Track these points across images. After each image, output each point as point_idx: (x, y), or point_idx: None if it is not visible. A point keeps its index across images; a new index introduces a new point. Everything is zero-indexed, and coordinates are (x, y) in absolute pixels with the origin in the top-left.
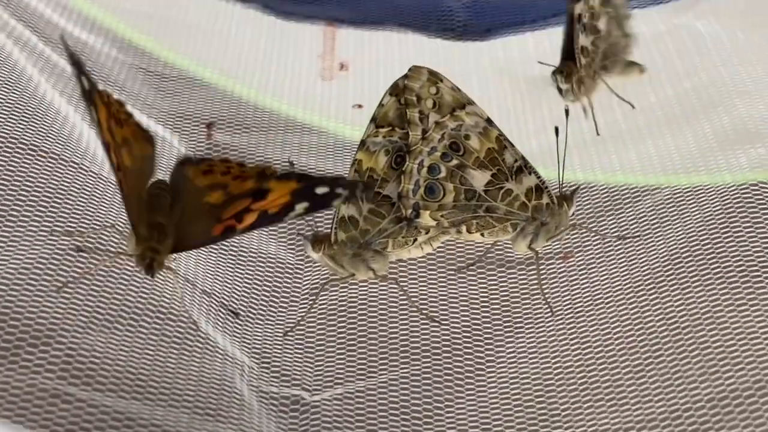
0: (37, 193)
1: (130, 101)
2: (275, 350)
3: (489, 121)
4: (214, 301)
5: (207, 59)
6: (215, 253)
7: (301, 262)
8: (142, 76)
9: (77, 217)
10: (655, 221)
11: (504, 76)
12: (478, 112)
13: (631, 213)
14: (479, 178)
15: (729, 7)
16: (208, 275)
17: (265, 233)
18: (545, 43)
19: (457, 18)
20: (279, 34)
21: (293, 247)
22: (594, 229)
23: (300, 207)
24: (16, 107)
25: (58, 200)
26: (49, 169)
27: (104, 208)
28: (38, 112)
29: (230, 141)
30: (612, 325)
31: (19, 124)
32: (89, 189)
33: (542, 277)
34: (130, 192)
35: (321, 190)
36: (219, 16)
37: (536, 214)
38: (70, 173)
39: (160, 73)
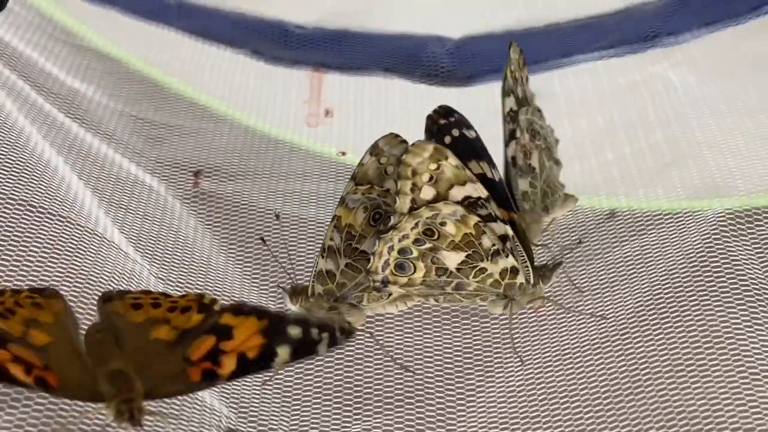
0: (24, 248)
1: (119, 149)
2: (253, 400)
3: (486, 200)
4: None
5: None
6: None
7: (282, 311)
8: (132, 123)
9: (63, 270)
10: (622, 271)
11: (485, 122)
12: (476, 192)
13: (600, 263)
14: (453, 258)
15: (703, 56)
16: None
17: (247, 281)
18: None
19: (441, 64)
20: (267, 80)
21: (274, 295)
22: (566, 302)
23: (283, 352)
24: (5, 161)
25: (45, 254)
26: (37, 223)
27: (90, 262)
28: (28, 166)
29: (216, 189)
30: (578, 376)
31: (8, 178)
32: (75, 242)
33: (514, 324)
34: (65, 371)
35: (294, 331)
36: (209, 60)
37: (508, 291)
38: (57, 227)
39: (150, 120)
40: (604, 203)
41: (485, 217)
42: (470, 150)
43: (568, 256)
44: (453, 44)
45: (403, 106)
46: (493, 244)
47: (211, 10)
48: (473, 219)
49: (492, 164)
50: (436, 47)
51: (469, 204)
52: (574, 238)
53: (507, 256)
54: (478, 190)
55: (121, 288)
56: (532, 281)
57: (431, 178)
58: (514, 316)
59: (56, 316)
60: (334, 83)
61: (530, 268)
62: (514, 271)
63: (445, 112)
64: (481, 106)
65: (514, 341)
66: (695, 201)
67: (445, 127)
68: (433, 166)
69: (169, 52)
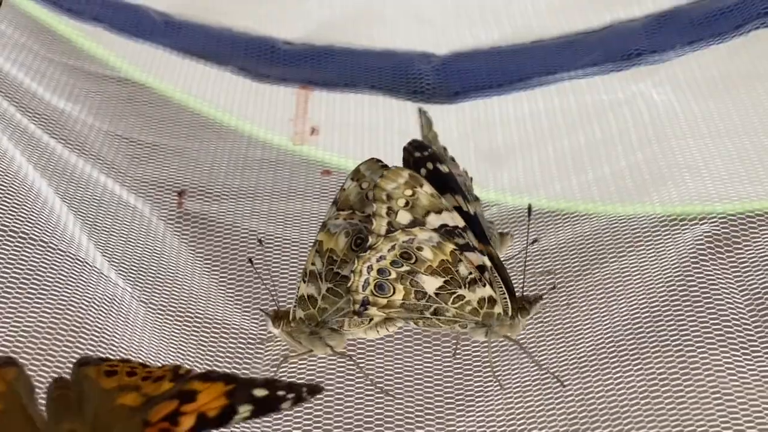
0: (4, 275)
1: (104, 170)
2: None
3: (463, 229)
4: None
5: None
6: (180, 320)
7: (264, 334)
8: (117, 143)
9: (43, 297)
10: (601, 296)
11: (469, 139)
12: (453, 221)
13: (580, 287)
14: (431, 283)
15: (686, 74)
16: (172, 343)
17: (230, 303)
18: (510, 106)
19: (426, 81)
20: (253, 97)
21: (257, 318)
22: (543, 319)
23: (244, 410)
24: None
25: (26, 280)
26: (18, 248)
27: (71, 287)
28: (10, 189)
29: (200, 209)
30: (556, 401)
31: None
32: (56, 267)
33: (494, 349)
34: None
35: (260, 392)
36: (195, 78)
37: (486, 320)
38: (39, 252)
39: (135, 139)
40: (585, 224)
41: (462, 246)
42: (444, 184)
43: (547, 280)
44: (439, 61)
45: (388, 123)
46: (470, 273)
47: (197, 26)
48: (449, 246)
49: (466, 198)
50: (423, 64)
51: (446, 232)
52: (554, 258)
53: (485, 286)
54: (455, 219)
55: (101, 315)
56: (510, 313)
57: (407, 203)
58: (494, 342)
59: (8, 384)
60: (321, 101)
61: (509, 301)
62: (491, 301)
63: (418, 145)
64: (467, 122)
65: (494, 366)
66: (674, 223)
67: (419, 160)
68: (408, 192)
69: (156, 68)
